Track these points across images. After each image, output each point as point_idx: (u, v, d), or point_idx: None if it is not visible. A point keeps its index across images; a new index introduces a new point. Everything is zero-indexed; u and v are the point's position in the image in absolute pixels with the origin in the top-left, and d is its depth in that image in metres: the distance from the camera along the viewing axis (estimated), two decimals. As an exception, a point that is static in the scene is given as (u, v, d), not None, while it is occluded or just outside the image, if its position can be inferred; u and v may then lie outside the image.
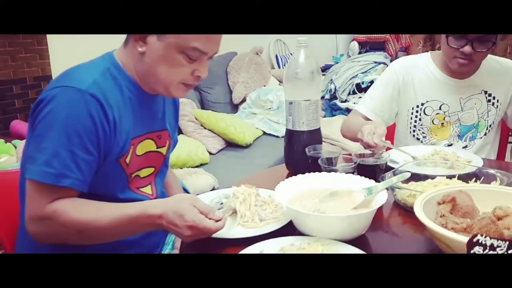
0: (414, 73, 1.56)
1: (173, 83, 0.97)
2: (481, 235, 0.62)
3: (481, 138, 1.57)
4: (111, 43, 3.19)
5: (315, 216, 0.91)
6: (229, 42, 3.20)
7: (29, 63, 2.52)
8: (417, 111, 1.57)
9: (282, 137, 3.28)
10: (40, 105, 0.88)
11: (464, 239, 0.66)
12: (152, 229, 0.91)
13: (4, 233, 1.10)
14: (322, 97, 3.78)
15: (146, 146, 1.04)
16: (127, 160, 0.98)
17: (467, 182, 1.06)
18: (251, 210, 0.99)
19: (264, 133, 3.31)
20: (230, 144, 3.01)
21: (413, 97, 1.57)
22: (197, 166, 2.51)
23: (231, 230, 0.96)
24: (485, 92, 1.53)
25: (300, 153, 1.27)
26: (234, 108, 3.72)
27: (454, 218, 0.82)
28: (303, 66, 1.25)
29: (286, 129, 1.32)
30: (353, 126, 1.50)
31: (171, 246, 1.19)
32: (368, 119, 1.57)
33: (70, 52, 2.71)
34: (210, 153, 2.79)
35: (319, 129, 1.31)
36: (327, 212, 0.96)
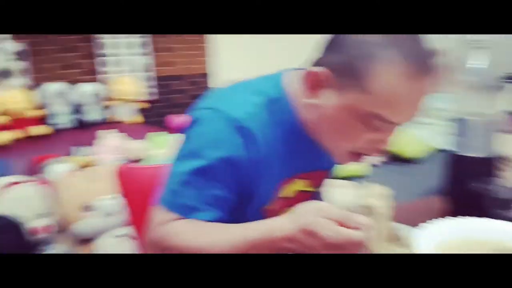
0: None
1: (338, 151, 0.79)
2: None
3: None
4: (276, 42, 3.15)
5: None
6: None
7: (194, 60, 2.68)
8: None
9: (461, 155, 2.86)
10: (190, 124, 0.81)
11: None
12: (282, 253, 0.76)
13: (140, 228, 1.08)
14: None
15: (293, 187, 0.89)
16: (270, 207, 0.86)
17: None
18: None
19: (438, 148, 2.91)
20: (394, 157, 2.72)
21: None
22: (347, 178, 2.30)
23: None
24: None
25: (467, 186, 0.99)
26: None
27: None
28: (481, 74, 0.98)
29: (450, 152, 1.07)
30: None
31: None
32: None
33: (233, 50, 2.78)
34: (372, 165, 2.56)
35: (496, 157, 1.00)
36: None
